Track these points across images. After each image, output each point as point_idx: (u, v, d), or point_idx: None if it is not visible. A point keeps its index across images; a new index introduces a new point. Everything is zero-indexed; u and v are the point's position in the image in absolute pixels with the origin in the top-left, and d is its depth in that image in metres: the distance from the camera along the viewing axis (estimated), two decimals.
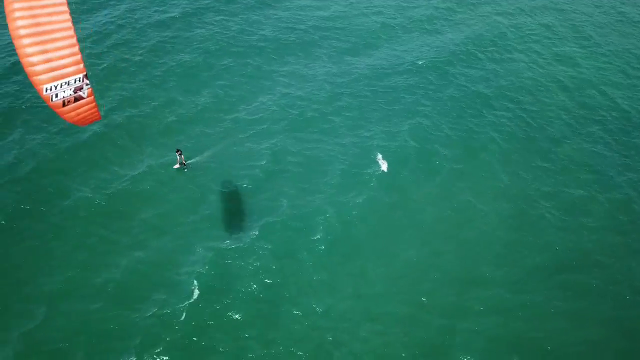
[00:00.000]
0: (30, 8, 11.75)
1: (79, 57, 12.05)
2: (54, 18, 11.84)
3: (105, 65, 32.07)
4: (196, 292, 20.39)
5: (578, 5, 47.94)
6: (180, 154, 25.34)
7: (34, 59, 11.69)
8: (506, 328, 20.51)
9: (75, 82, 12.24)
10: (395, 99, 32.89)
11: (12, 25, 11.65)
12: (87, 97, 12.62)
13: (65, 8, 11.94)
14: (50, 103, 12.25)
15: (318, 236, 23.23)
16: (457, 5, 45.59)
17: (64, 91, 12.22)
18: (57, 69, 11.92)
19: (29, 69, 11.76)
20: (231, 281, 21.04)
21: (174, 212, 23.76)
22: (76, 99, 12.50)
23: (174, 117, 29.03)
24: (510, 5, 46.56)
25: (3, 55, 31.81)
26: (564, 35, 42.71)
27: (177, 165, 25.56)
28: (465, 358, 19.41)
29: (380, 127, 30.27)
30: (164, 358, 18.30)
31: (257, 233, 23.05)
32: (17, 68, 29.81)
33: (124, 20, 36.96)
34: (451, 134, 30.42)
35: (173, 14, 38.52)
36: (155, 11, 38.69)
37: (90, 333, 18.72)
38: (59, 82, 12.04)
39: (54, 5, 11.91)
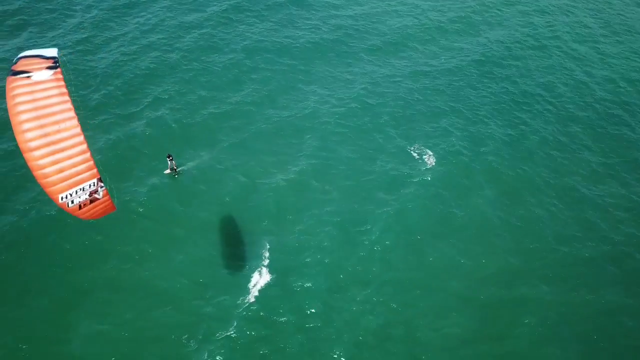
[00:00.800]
0: (37, 118, 11.45)
1: (91, 162, 11.78)
2: (62, 125, 11.54)
3: (140, 64, 32.44)
4: (253, 286, 20.91)
5: (609, 3, 47.50)
6: (171, 159, 24.93)
7: (47, 170, 11.43)
8: (555, 320, 21.07)
9: (90, 187, 12.02)
10: (436, 96, 33.00)
11: (20, 137, 11.36)
12: (103, 197, 12.42)
13: (73, 114, 11.63)
14: (67, 209, 12.06)
15: (369, 227, 23.77)
16: (491, 3, 45.15)
17: (80, 197, 12.00)
18: (71, 177, 11.67)
19: (42, 181, 11.52)
20: (286, 273, 21.57)
21: (221, 208, 24.08)
22: (92, 201, 12.30)
23: (207, 115, 29.35)
24: (543, 3, 46.11)
25: None
26: (597, 32, 42.48)
27: (167, 171, 25.15)
28: (516, 348, 19.97)
29: (423, 123, 30.56)
30: (226, 348, 18.70)
31: (306, 226, 23.52)
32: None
33: (156, 20, 37.13)
34: (494, 127, 30.88)
35: (205, 14, 38.48)
36: (187, 10, 38.81)
37: (148, 324, 19.15)
38: (74, 189, 11.82)
39: (62, 112, 11.59)
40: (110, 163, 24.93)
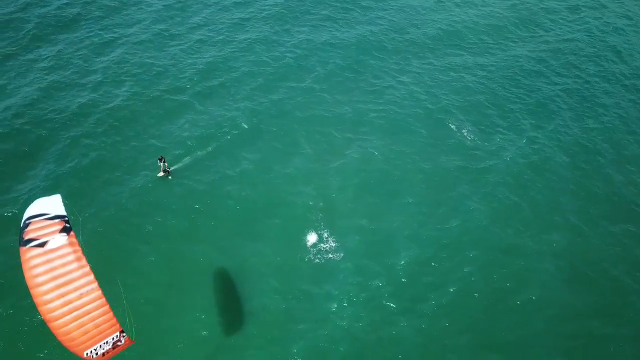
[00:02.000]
0: (57, 287, 11.86)
1: (114, 319, 12.37)
2: (84, 290, 12.00)
3: (198, 58, 33.73)
4: (318, 255, 22.66)
5: None
6: (163, 161, 24.70)
7: (73, 334, 11.99)
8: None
9: (113, 339, 12.64)
10: (496, 85, 34.44)
11: (43, 309, 11.78)
12: (125, 342, 13.06)
13: (92, 278, 12.07)
14: (92, 359, 12.67)
15: (444, 209, 25.42)
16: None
17: (103, 348, 12.64)
18: (95, 336, 12.29)
19: (69, 344, 12.09)
20: (363, 254, 22.89)
21: (288, 188, 25.39)
22: (114, 347, 12.94)
23: (275, 100, 30.92)
24: None
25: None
26: None
27: (161, 173, 24.88)
28: (594, 321, 21.80)
29: (489, 110, 32.17)
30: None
31: (378, 208, 24.95)
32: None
33: (207, 14, 38.21)
34: (558, 113, 32.51)
35: (256, 8, 39.31)
36: (238, 4, 39.67)
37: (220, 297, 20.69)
38: (99, 344, 12.44)
39: (81, 277, 12.01)
40: (171, 147, 26.66)
